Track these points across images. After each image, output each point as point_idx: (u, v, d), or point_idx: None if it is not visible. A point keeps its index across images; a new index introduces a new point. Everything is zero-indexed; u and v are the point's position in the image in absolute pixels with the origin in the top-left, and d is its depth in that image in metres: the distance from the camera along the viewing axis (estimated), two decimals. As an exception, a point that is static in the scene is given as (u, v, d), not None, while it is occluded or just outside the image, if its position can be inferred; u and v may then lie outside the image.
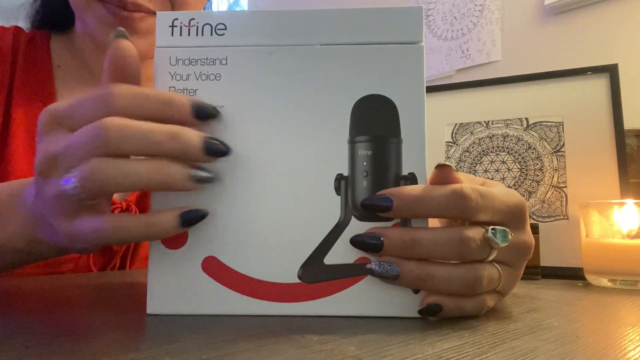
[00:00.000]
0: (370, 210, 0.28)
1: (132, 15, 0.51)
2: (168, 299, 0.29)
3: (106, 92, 0.26)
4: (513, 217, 0.29)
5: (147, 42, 0.52)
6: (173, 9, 0.53)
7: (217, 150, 0.27)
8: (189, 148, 0.27)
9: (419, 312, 0.28)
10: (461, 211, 0.27)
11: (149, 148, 0.26)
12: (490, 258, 0.28)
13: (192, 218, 0.27)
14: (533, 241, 0.31)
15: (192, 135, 0.27)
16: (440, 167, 0.28)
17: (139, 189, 0.27)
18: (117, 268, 0.56)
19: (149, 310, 0.29)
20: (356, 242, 0.28)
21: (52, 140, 0.27)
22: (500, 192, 0.29)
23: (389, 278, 0.27)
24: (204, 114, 0.28)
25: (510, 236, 0.28)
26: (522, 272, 0.31)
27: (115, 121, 0.25)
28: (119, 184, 0.26)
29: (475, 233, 0.27)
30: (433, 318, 0.28)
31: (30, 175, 0.51)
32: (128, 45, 0.28)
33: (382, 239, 0.27)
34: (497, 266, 0.28)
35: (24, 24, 0.63)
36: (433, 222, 0.32)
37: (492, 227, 0.27)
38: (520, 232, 0.29)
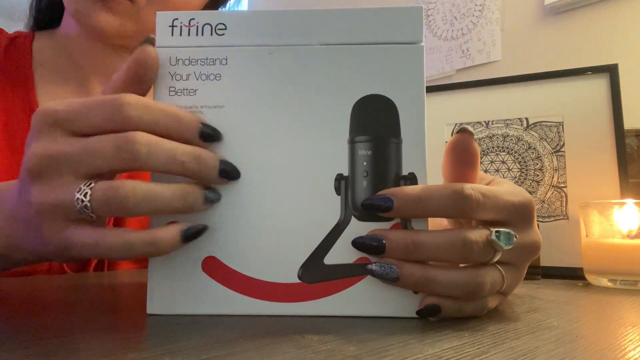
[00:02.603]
0: (370, 210, 0.28)
1: None
2: (168, 299, 0.29)
3: (117, 101, 0.26)
4: (518, 216, 0.28)
5: (121, 21, 0.52)
6: None
7: (231, 174, 0.28)
8: (208, 171, 0.27)
9: (418, 312, 0.28)
10: (462, 211, 0.27)
11: (173, 168, 0.26)
12: (494, 260, 0.27)
13: (194, 234, 0.27)
14: (540, 240, 0.30)
15: (210, 158, 0.27)
16: (461, 131, 0.27)
17: (156, 214, 0.27)
18: (94, 270, 0.54)
19: (149, 310, 0.29)
20: (358, 244, 0.28)
21: (50, 141, 0.26)
22: (506, 190, 0.28)
23: (389, 280, 0.27)
24: (208, 137, 0.28)
25: (515, 238, 0.27)
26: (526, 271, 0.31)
27: (145, 137, 0.25)
28: (142, 208, 0.25)
29: (478, 236, 0.27)
30: (432, 318, 0.28)
31: (8, 171, 0.51)
32: (153, 52, 0.29)
33: (383, 241, 0.27)
34: (501, 269, 0.28)
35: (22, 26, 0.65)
36: (441, 222, 0.32)
37: (496, 229, 0.27)
38: (526, 232, 0.29)
